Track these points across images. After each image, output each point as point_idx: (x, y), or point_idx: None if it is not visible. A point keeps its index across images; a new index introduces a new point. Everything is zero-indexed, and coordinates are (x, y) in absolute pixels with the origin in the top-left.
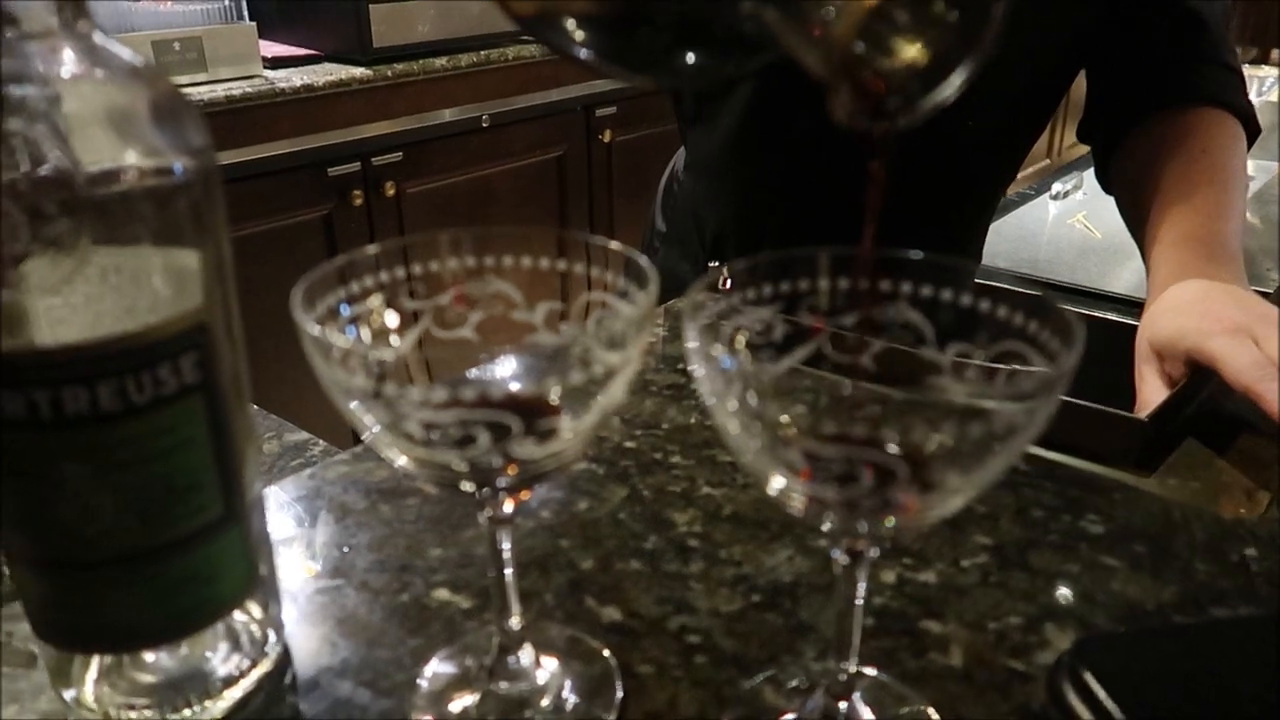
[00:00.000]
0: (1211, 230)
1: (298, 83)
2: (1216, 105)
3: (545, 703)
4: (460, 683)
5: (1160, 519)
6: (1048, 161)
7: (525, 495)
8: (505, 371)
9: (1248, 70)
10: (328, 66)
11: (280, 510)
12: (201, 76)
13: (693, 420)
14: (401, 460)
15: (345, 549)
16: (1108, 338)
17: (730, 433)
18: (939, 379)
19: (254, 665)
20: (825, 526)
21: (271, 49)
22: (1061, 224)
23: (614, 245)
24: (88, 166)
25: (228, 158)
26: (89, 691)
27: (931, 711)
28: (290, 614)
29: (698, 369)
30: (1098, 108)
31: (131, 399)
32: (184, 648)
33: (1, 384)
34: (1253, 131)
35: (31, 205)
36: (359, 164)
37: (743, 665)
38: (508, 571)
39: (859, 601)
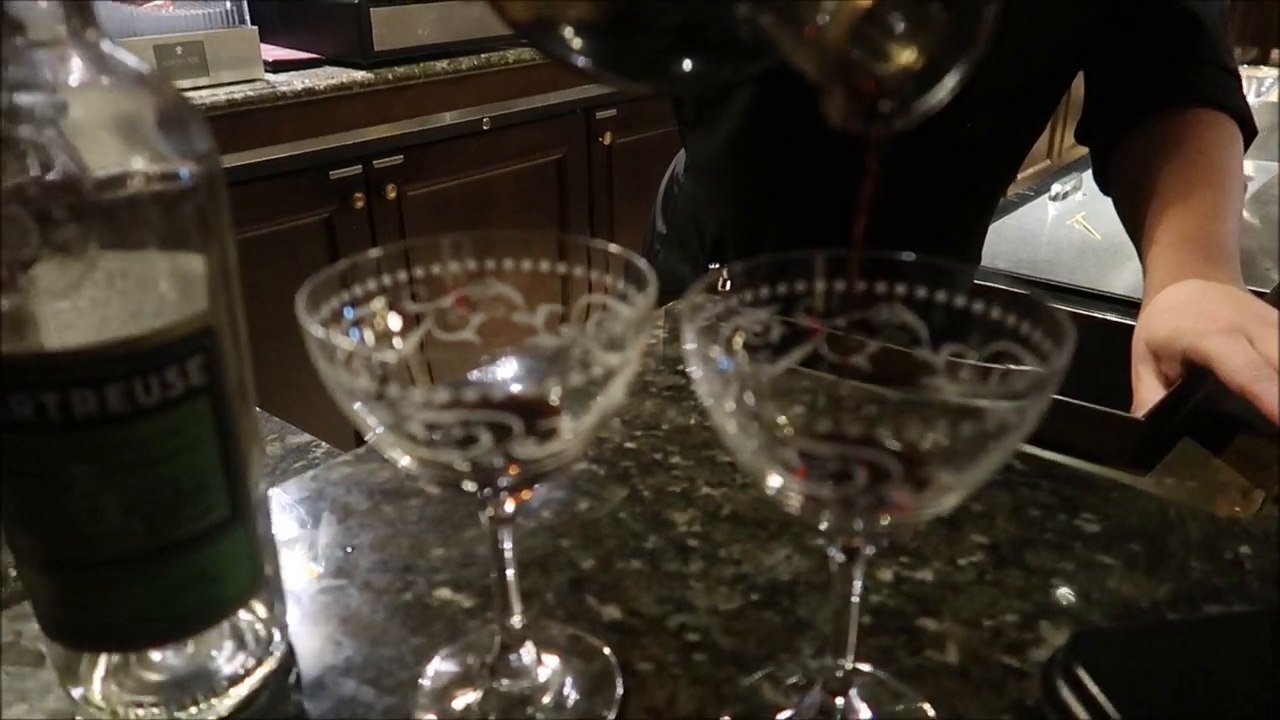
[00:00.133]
0: (1208, 231)
1: (299, 86)
2: (1214, 107)
3: (546, 700)
4: (463, 680)
5: (1156, 518)
6: (1048, 162)
7: (526, 495)
8: (506, 373)
9: (1247, 71)
10: (329, 70)
11: (284, 511)
12: (203, 80)
13: (692, 421)
14: (404, 460)
15: (348, 549)
16: (1106, 338)
17: (728, 432)
18: (933, 379)
19: (259, 664)
20: (822, 525)
21: (273, 52)
22: (1061, 225)
23: (613, 248)
24: (96, 172)
25: (229, 161)
26: (96, 690)
27: (927, 708)
28: (294, 613)
29: (696, 370)
30: (1096, 109)
31: (139, 401)
32: (190, 646)
33: (10, 387)
34: (1249, 133)
35: (41, 211)
36: (360, 167)
37: (741, 663)
38: (509, 570)
39: (855, 599)
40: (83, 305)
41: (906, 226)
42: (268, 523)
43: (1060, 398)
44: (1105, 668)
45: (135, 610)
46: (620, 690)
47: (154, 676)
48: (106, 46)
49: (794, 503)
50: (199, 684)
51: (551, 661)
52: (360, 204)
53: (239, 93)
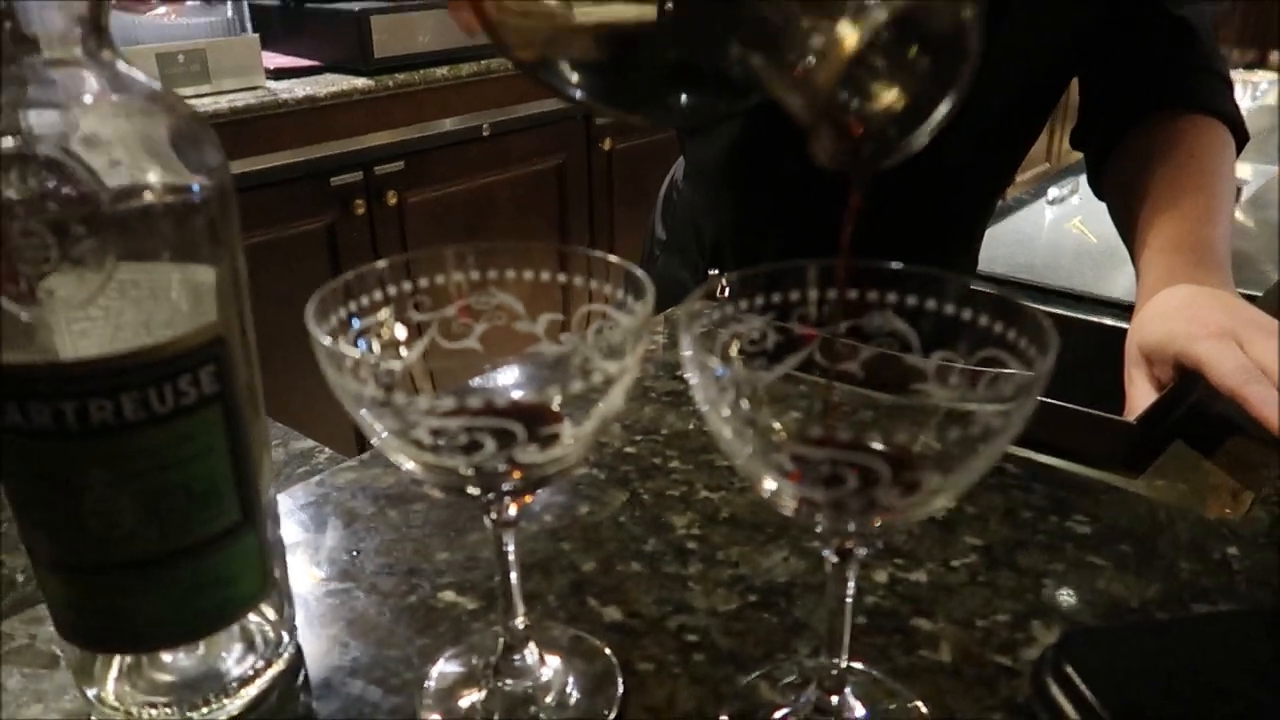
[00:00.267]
0: (1199, 236)
1: (300, 94)
2: (1205, 112)
3: (549, 699)
4: (467, 680)
5: (1146, 519)
6: (1047, 165)
7: (529, 499)
8: (509, 380)
9: (1244, 75)
10: (329, 77)
11: (290, 516)
12: (205, 88)
13: (691, 426)
14: (409, 465)
15: (354, 553)
16: (1102, 342)
17: (724, 437)
18: (924, 384)
19: (268, 665)
20: (816, 527)
21: (274, 60)
22: (1058, 228)
23: (613, 259)
24: (112, 187)
25: (231, 168)
26: (110, 690)
27: (921, 705)
28: (302, 616)
29: (693, 376)
30: (1089, 114)
31: (154, 409)
32: (201, 648)
33: (30, 395)
34: (1241, 138)
35: (60, 225)
36: (361, 173)
37: (739, 662)
38: (513, 573)
39: (849, 599)
40: (99, 316)
41: (901, 232)
42: (276, 527)
43: (1053, 401)
44: (1094, 666)
45: (149, 612)
46: (621, 689)
47: (166, 677)
48: (121, 65)
49: (789, 506)
50: (210, 685)
51: (554, 662)
52: (361, 210)
53: (240, 100)
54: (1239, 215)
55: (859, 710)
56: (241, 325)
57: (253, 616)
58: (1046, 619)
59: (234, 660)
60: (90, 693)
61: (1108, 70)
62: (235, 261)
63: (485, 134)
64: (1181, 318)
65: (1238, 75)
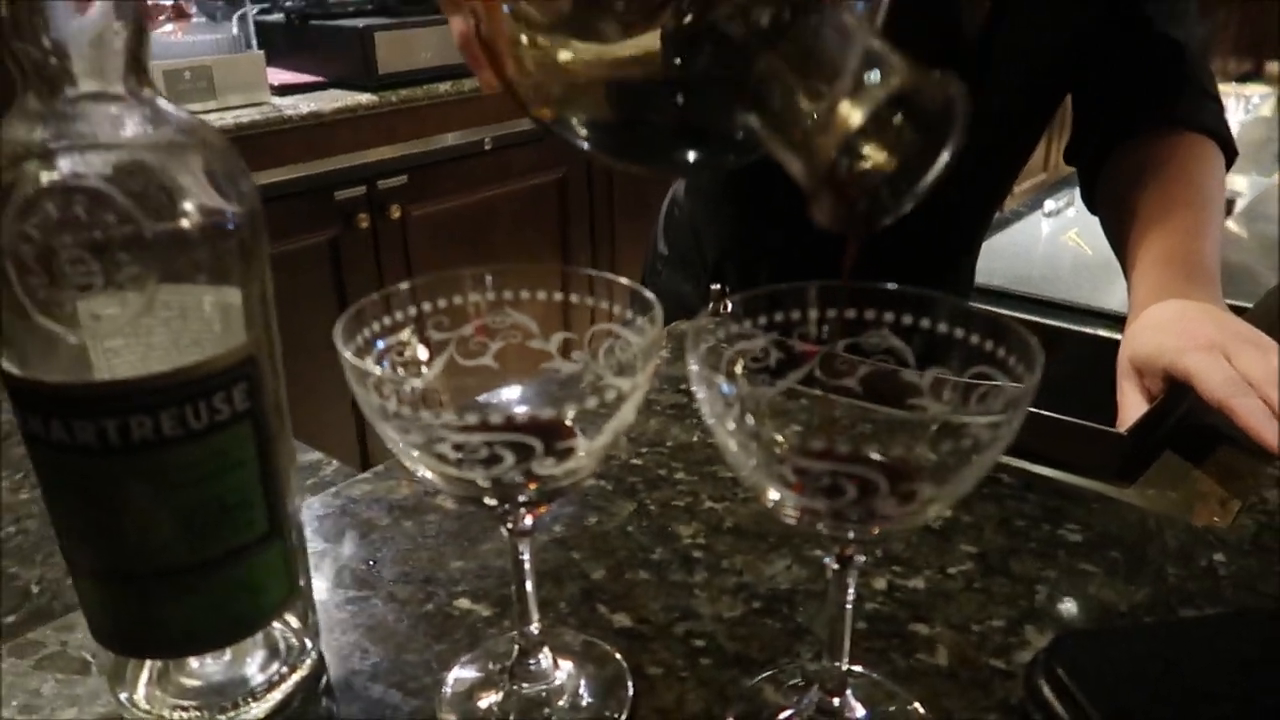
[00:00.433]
0: (1189, 251)
1: (305, 109)
2: (1196, 130)
3: (563, 702)
4: (484, 684)
5: (1135, 527)
6: (1044, 176)
7: (543, 509)
8: (525, 396)
9: (1236, 88)
10: (334, 93)
11: (309, 527)
12: (211, 104)
13: (695, 438)
14: (429, 475)
15: (371, 562)
16: (1098, 353)
17: (730, 450)
18: (919, 398)
19: (293, 670)
20: (819, 534)
21: (279, 76)
22: (1055, 241)
23: (623, 280)
24: (153, 216)
25: None
26: (141, 694)
27: (919, 707)
28: (323, 623)
29: (699, 392)
30: (1082, 131)
31: (190, 426)
32: (228, 654)
33: (75, 414)
34: (1230, 155)
35: (104, 252)
36: (364, 187)
37: (744, 666)
38: (528, 580)
39: (849, 604)
40: (140, 337)
41: (899, 245)
42: (301, 537)
43: (1046, 413)
44: (1085, 669)
45: (181, 619)
46: (631, 692)
47: (194, 682)
48: (161, 101)
49: (792, 515)
50: (236, 689)
51: (567, 666)
52: (364, 224)
53: (246, 116)
54: (1233, 227)
55: (860, 711)
56: (270, 344)
57: (277, 624)
58: (1039, 623)
59: (260, 666)
60: (122, 696)
61: (1100, 88)
62: (264, 283)
63: (487, 148)
64: (1171, 331)
65: (1231, 88)
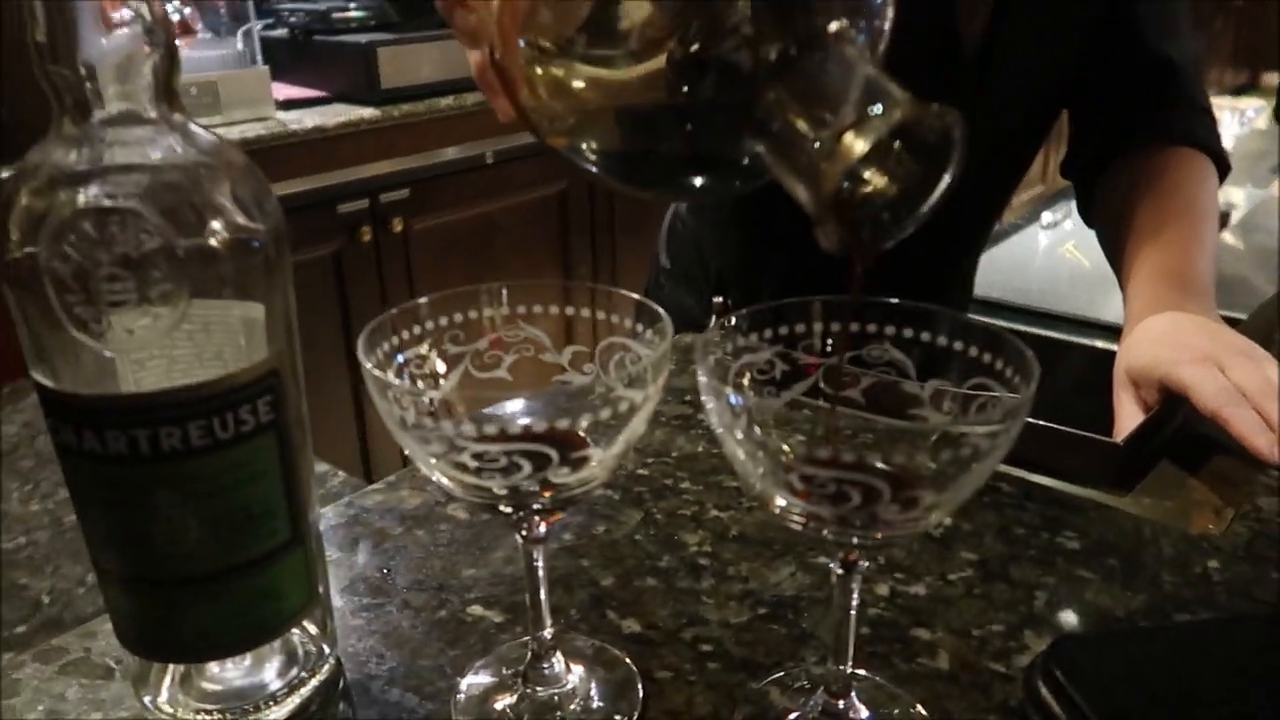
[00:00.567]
0: (1183, 264)
1: (309, 124)
2: (1189, 145)
3: (574, 706)
4: (498, 688)
5: (1132, 535)
6: (1041, 188)
7: (556, 517)
8: (539, 408)
9: (1231, 101)
10: (337, 107)
11: (324, 536)
12: (217, 119)
13: (700, 449)
14: (446, 482)
15: (385, 570)
16: (1095, 365)
17: (738, 459)
18: (920, 409)
19: (312, 675)
20: (824, 540)
21: (283, 91)
22: (1052, 253)
23: (634, 296)
24: (184, 235)
25: None
26: (164, 698)
27: (921, 709)
28: (340, 629)
29: (709, 402)
30: (1078, 146)
31: (217, 436)
32: (249, 660)
33: (108, 425)
34: (1223, 169)
35: (138, 270)
36: (367, 201)
37: (751, 670)
38: (541, 586)
39: (853, 608)
40: (166, 350)
41: (899, 257)
42: (320, 545)
43: (1045, 423)
44: (1082, 671)
45: (206, 625)
46: (641, 695)
47: (216, 687)
48: (189, 123)
49: (797, 521)
50: (257, 694)
51: (578, 670)
52: (367, 237)
53: (251, 131)
54: (1230, 238)
55: (864, 713)
56: (292, 357)
57: (296, 631)
58: (1038, 628)
59: (279, 671)
60: (146, 700)
61: (1096, 104)
62: (287, 299)
63: (489, 162)
64: (1166, 343)
65: (1226, 102)
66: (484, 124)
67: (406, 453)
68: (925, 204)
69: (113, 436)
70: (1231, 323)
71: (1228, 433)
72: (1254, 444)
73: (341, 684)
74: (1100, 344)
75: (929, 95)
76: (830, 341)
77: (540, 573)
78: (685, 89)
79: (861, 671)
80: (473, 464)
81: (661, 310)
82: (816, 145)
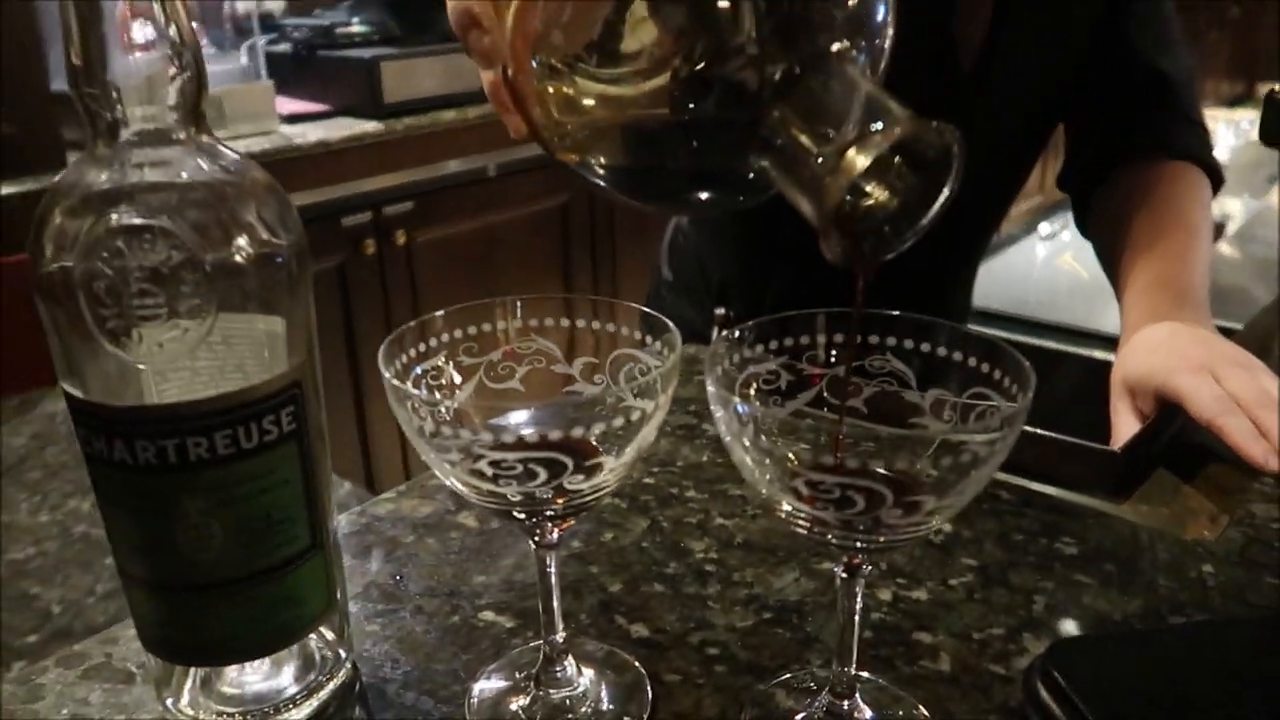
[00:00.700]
0: (1178, 275)
1: (313, 138)
2: (1183, 158)
3: (586, 708)
4: (511, 690)
5: (1128, 541)
6: (1040, 198)
7: (568, 524)
8: (551, 417)
9: (1228, 112)
10: (341, 121)
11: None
12: (221, 133)
13: (705, 458)
14: (462, 489)
15: (398, 578)
16: (1094, 374)
17: (746, 466)
18: (920, 417)
19: (329, 679)
20: (828, 544)
21: (288, 105)
22: (1051, 264)
23: (644, 309)
24: (212, 251)
25: None
26: (186, 700)
27: (923, 710)
28: (355, 634)
29: (717, 412)
30: (1073, 160)
31: (242, 446)
32: (268, 664)
33: (138, 435)
34: (1216, 181)
35: (169, 285)
36: (370, 214)
37: (757, 672)
38: (554, 591)
39: (857, 611)
40: (194, 363)
41: (899, 273)
42: (338, 552)
43: (1044, 432)
44: (1080, 673)
45: (229, 628)
46: (651, 697)
47: (236, 690)
48: (216, 145)
49: (803, 525)
50: (276, 696)
51: (589, 673)
52: (371, 250)
53: (256, 145)
54: (1227, 248)
55: (868, 713)
56: (313, 369)
57: (313, 637)
58: (1037, 632)
59: (297, 676)
60: (168, 702)
61: (1091, 117)
62: (308, 312)
63: (491, 174)
64: (1162, 353)
65: (1222, 113)
66: (486, 137)
67: (425, 460)
68: (925, 217)
69: (142, 446)
70: (1228, 332)
71: (1223, 441)
72: (1249, 452)
73: (358, 687)
74: (1098, 354)
75: (928, 108)
76: (834, 353)
77: (553, 578)
78: (691, 107)
79: (865, 674)
80: (490, 471)
81: (670, 323)
82: (820, 161)
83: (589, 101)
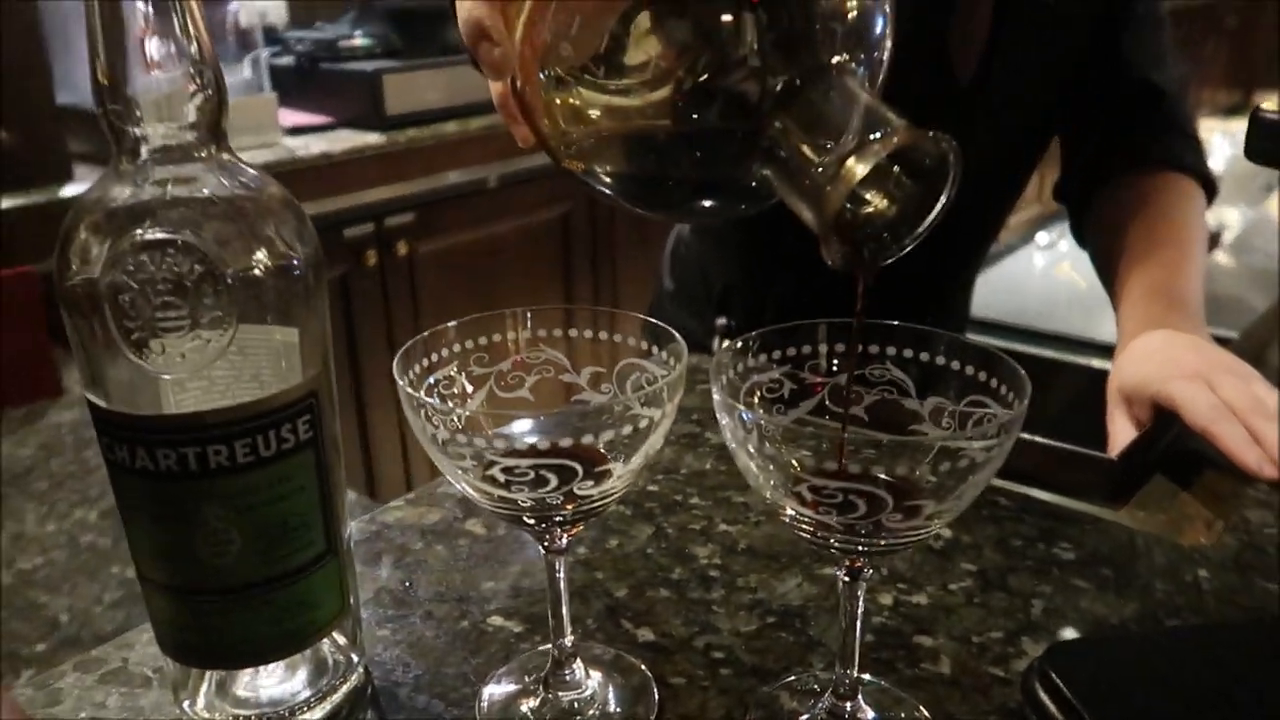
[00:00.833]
0: (1172, 285)
1: (315, 150)
2: (1177, 170)
3: (593, 711)
4: (521, 693)
5: (1125, 546)
6: (1039, 207)
7: (577, 529)
8: (560, 425)
9: (1224, 123)
10: (344, 133)
11: None
12: None
13: (708, 465)
14: (474, 495)
15: (408, 584)
16: (1089, 384)
17: (751, 471)
18: (920, 425)
19: (343, 682)
20: (831, 547)
21: (291, 118)
22: (1049, 274)
23: (650, 320)
24: (233, 265)
25: None
26: (202, 704)
27: (924, 711)
28: (366, 639)
29: (723, 419)
30: (1069, 171)
31: (260, 454)
32: (283, 667)
33: (160, 443)
34: (1210, 193)
35: (192, 297)
36: (372, 225)
37: (761, 675)
38: (564, 595)
39: (859, 615)
40: (211, 373)
41: (900, 282)
42: (351, 558)
43: (1042, 439)
44: (1077, 675)
45: (246, 632)
46: (657, 700)
47: (251, 694)
48: (237, 162)
49: (806, 530)
50: (291, 699)
51: (597, 676)
52: (373, 261)
53: (259, 157)
54: (1223, 258)
55: (870, 714)
56: (328, 379)
57: (326, 641)
58: (1035, 635)
59: (311, 680)
60: (185, 705)
61: (1086, 130)
62: (324, 323)
63: (492, 186)
64: (1157, 361)
65: (1219, 124)
66: (487, 149)
67: (438, 467)
68: (923, 224)
69: (164, 454)
70: (1224, 341)
71: (1218, 448)
72: (1243, 459)
73: (370, 691)
74: (1095, 363)
75: (928, 112)
76: (835, 362)
77: (562, 583)
78: (694, 118)
79: (867, 676)
80: (502, 477)
81: (676, 333)
82: (820, 170)
83: (594, 112)
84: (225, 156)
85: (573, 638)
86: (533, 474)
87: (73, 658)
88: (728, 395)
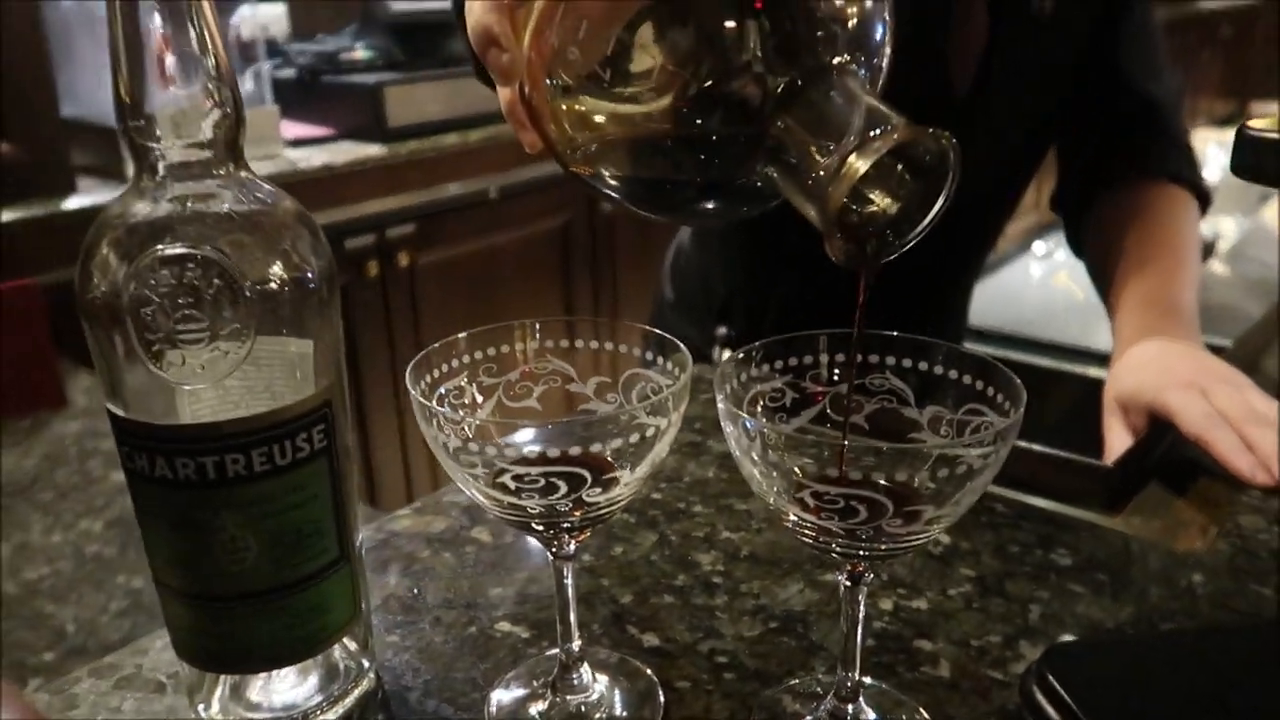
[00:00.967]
0: (1167, 294)
1: (317, 162)
2: (1171, 180)
3: (601, 714)
4: (529, 697)
5: (1121, 552)
6: (1035, 217)
7: (584, 535)
8: (568, 434)
9: (1219, 133)
10: (345, 145)
11: None
12: None
13: (710, 474)
14: (484, 502)
15: (416, 591)
16: (1086, 393)
17: (754, 478)
18: (919, 432)
19: (355, 687)
20: (833, 552)
21: (292, 130)
22: (1046, 283)
23: (656, 331)
24: (251, 278)
25: None
26: (216, 708)
27: (924, 713)
28: (377, 645)
29: (727, 427)
30: (1065, 182)
31: (276, 462)
32: (295, 672)
33: (179, 452)
34: (1204, 202)
35: (212, 310)
36: (373, 236)
37: (764, 679)
38: (571, 601)
39: (860, 619)
40: (225, 384)
41: (900, 289)
42: (362, 564)
43: (1039, 447)
44: (1074, 677)
45: (260, 637)
46: (662, 703)
47: (265, 698)
48: (254, 179)
49: (809, 535)
50: (304, 703)
51: (603, 680)
52: (374, 272)
53: (261, 169)
54: (1219, 266)
55: (871, 716)
56: (341, 389)
57: (337, 647)
58: (1033, 639)
59: (322, 684)
60: (199, 709)
61: (1082, 141)
62: (337, 334)
63: (493, 197)
64: (1152, 370)
65: (1214, 133)
66: (488, 160)
67: (450, 474)
68: (925, 220)
69: (182, 463)
70: (1219, 349)
71: (1212, 455)
72: (1236, 466)
73: (380, 695)
74: (1091, 371)
75: (928, 115)
76: (836, 372)
77: (569, 589)
78: (699, 122)
79: (868, 679)
80: (513, 484)
81: (680, 344)
82: (823, 168)
83: (601, 118)
84: (243, 174)
85: (579, 642)
86: (543, 481)
87: (79, 667)
88: (732, 404)
